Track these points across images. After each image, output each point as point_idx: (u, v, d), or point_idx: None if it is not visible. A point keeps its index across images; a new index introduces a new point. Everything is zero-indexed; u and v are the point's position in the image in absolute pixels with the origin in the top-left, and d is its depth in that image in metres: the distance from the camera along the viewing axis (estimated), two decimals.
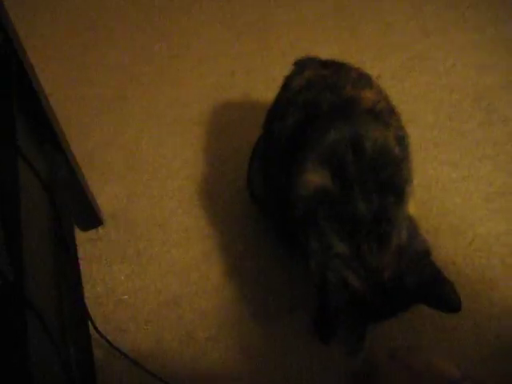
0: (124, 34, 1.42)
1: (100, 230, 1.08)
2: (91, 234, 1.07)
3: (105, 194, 1.12)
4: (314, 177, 0.73)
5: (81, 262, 1.01)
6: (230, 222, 1.08)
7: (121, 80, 1.32)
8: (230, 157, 1.17)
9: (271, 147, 0.89)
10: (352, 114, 0.77)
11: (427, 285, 0.69)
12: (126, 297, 1.00)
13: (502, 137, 1.16)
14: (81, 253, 1.03)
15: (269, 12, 1.46)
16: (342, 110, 0.78)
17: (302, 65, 0.93)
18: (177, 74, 1.34)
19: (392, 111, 0.83)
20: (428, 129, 1.18)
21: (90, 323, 0.87)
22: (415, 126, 1.15)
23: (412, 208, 0.74)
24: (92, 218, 1.06)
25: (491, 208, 1.06)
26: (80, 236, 1.06)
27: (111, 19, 1.45)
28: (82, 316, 0.86)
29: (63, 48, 1.39)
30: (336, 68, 0.87)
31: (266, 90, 1.27)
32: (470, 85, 1.25)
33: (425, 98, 1.24)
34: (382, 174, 0.71)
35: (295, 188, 0.75)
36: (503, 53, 1.32)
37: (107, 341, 0.90)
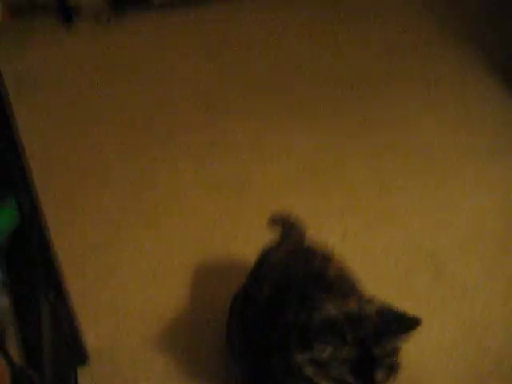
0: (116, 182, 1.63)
1: (85, 367, 1.17)
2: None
3: (91, 332, 1.22)
4: None
5: None
6: (209, 375, 1.18)
7: (108, 227, 1.49)
8: (211, 304, 1.30)
9: (251, 311, 1.01)
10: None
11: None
12: None
13: (451, 292, 1.32)
14: None
15: (247, 170, 1.69)
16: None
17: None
18: (162, 226, 1.51)
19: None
20: (383, 284, 1.33)
21: None
22: (371, 280, 1.31)
23: None
24: (78, 355, 1.15)
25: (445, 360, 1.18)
26: None
27: (105, 169, 1.66)
28: None
29: None
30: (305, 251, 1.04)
31: (244, 245, 1.44)
32: (426, 243, 1.44)
33: (385, 252, 1.41)
34: None
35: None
36: (461, 214, 1.53)
37: None
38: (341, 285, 0.95)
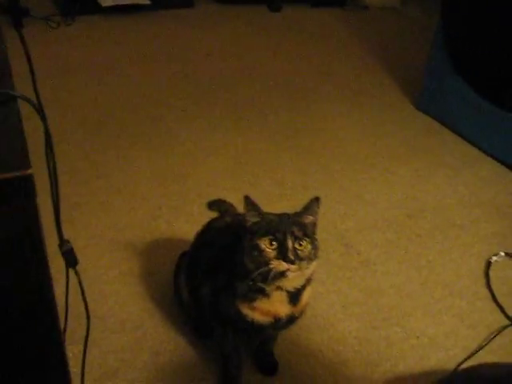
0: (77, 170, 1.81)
1: None
2: None
3: None
4: None
5: None
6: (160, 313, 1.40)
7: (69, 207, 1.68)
8: (157, 270, 1.52)
9: (194, 266, 1.25)
10: None
11: None
12: None
13: (357, 264, 1.60)
14: None
15: (191, 162, 1.92)
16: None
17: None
18: (115, 207, 1.71)
19: None
20: None
21: None
22: None
23: None
24: None
25: (347, 313, 1.46)
26: None
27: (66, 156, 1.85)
28: None
29: None
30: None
31: (186, 223, 1.68)
32: (338, 227, 1.73)
33: None
34: None
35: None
36: (366, 204, 1.83)
37: None
38: None
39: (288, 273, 1.00)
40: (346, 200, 1.87)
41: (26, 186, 0.58)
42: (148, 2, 3.22)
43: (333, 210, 1.81)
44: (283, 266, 0.99)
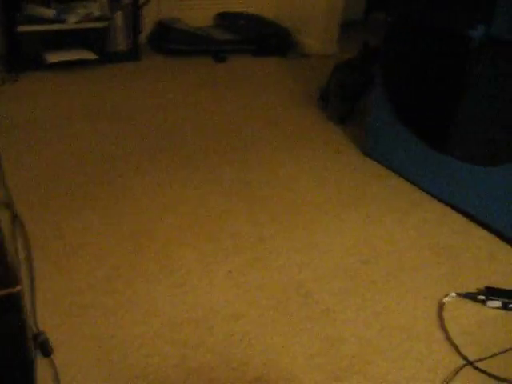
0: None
1: None
2: None
3: None
4: None
5: None
6: None
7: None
8: (119, 333, 1.50)
9: None
10: None
11: None
12: None
13: (316, 314, 1.63)
14: None
15: (147, 219, 1.93)
16: None
17: None
18: (72, 269, 1.70)
19: None
20: (259, 315, 1.62)
21: None
22: (253, 308, 1.60)
23: None
24: None
25: (311, 365, 1.48)
26: None
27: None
28: None
29: None
30: None
31: (146, 282, 1.67)
32: (295, 277, 1.76)
33: (262, 288, 1.71)
34: None
35: None
36: (322, 253, 1.87)
37: None
38: None
39: None
40: (302, 249, 1.91)
41: (13, 303, 0.58)
42: (94, 57, 3.24)
43: (289, 260, 1.84)
44: None
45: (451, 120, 2.16)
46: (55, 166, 2.26)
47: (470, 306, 1.72)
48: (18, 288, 0.55)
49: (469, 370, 1.50)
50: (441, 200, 2.27)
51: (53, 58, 3.07)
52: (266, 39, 3.94)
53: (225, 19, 4.10)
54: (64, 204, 2.01)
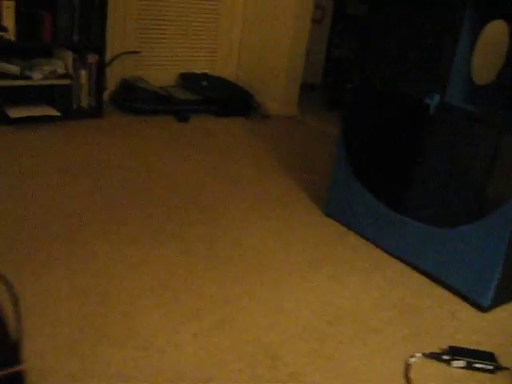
0: None
1: None
2: None
3: None
4: None
5: None
6: None
7: None
8: None
9: None
10: None
11: None
12: None
13: (285, 377, 1.62)
14: None
15: (108, 280, 1.90)
16: None
17: None
18: (33, 333, 1.64)
19: None
20: (228, 378, 1.60)
21: None
22: (220, 372, 1.57)
23: None
24: None
25: None
26: None
27: None
28: None
29: None
30: None
31: (111, 347, 1.63)
32: (262, 339, 1.75)
33: (230, 351, 1.69)
34: None
35: None
36: (288, 314, 1.87)
37: None
38: None
39: None
40: (267, 311, 1.90)
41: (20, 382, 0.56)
42: (57, 114, 3.24)
43: (255, 322, 1.83)
44: None
45: (407, 181, 2.25)
46: (14, 224, 2.21)
47: (436, 366, 1.74)
48: (22, 367, 0.53)
49: None
50: (401, 260, 2.33)
51: (15, 113, 3.06)
52: (228, 100, 4.04)
53: (187, 80, 4.19)
54: (24, 263, 1.96)
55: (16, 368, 0.54)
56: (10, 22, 3.06)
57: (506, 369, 1.75)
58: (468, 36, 2.08)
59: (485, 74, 2.18)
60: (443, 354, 1.76)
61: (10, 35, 3.07)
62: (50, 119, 3.24)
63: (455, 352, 1.75)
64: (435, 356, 1.76)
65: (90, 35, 3.40)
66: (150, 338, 1.68)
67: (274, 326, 1.83)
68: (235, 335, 1.76)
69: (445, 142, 2.12)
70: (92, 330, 1.68)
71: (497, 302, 2.08)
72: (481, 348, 1.84)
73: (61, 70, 3.29)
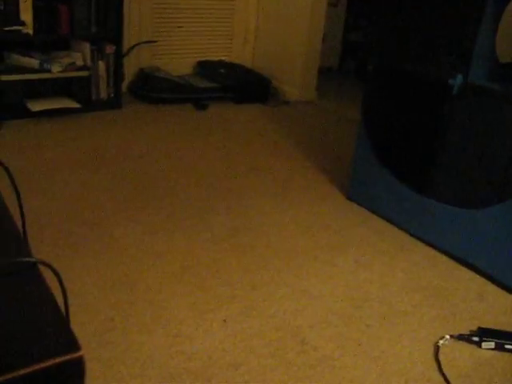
0: None
1: None
2: None
3: None
4: None
5: None
6: None
7: None
8: None
9: None
10: None
11: None
12: None
13: (315, 361, 1.63)
14: None
15: (135, 268, 1.91)
16: None
17: None
18: None
19: None
20: (258, 364, 1.61)
21: None
22: (250, 356, 1.58)
23: None
24: None
25: None
26: None
27: None
28: None
29: None
30: None
31: (141, 334, 1.65)
32: (291, 324, 1.76)
33: (259, 336, 1.70)
34: None
35: None
36: (309, 299, 1.88)
37: None
38: None
39: None
40: (294, 296, 1.91)
41: (76, 369, 0.56)
42: (77, 106, 3.26)
43: (283, 307, 1.84)
44: None
45: (432, 163, 2.22)
46: (40, 215, 2.24)
47: (465, 347, 1.73)
48: (80, 353, 0.54)
49: None
50: (427, 243, 2.31)
51: (36, 106, 3.08)
52: (246, 87, 4.02)
53: (205, 68, 4.18)
54: (51, 255, 1.98)
55: (76, 354, 0.54)
56: (27, 15, 3.08)
57: None
58: (491, 13, 2.04)
59: (509, 52, 2.14)
60: (472, 335, 1.75)
61: (28, 29, 3.08)
62: (70, 111, 3.26)
63: (484, 333, 1.74)
64: (465, 338, 1.75)
65: (106, 26, 3.40)
66: (179, 325, 1.70)
67: (302, 310, 1.84)
68: (263, 321, 1.77)
69: (469, 122, 2.09)
70: (121, 318, 1.71)
71: None
72: (509, 329, 1.82)
73: (79, 62, 3.30)
